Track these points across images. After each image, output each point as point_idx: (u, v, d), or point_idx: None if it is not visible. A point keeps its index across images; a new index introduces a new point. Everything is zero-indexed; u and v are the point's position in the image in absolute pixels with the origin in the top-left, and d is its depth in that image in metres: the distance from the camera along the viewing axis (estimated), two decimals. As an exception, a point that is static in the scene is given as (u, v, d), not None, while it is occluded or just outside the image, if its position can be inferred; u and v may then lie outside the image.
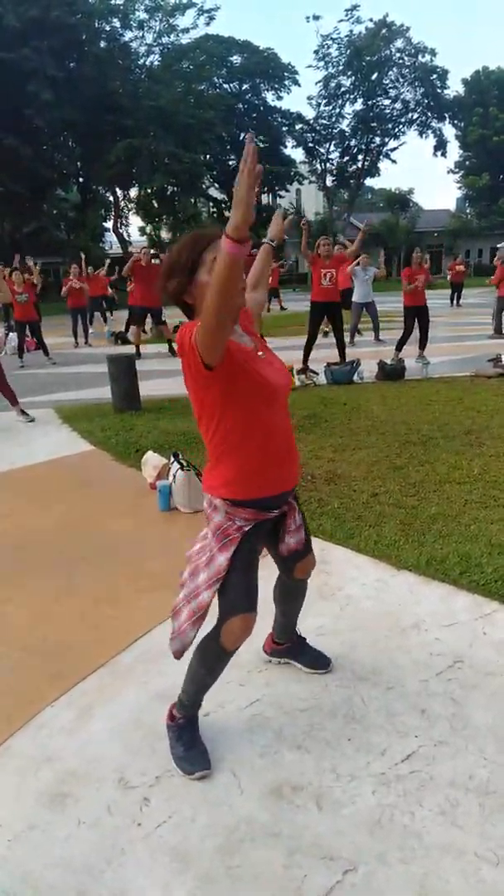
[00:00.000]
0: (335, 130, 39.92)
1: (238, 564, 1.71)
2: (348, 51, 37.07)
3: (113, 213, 35.92)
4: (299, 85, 40.89)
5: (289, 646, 2.25)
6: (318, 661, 2.23)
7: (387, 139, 40.28)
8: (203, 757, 1.82)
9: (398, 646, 2.36)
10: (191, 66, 33.51)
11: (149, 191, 32.78)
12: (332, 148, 40.59)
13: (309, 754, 1.86)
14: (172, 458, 3.96)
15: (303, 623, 2.49)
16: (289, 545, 1.90)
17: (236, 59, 38.44)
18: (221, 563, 1.71)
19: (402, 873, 1.48)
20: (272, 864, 1.52)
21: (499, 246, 11.97)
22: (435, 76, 38.02)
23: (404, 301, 8.67)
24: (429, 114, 39.41)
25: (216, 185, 41.85)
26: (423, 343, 8.74)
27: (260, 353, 1.72)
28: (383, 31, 36.64)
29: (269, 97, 39.92)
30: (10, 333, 11.32)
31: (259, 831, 1.61)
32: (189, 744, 1.85)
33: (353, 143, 40.21)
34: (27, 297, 10.75)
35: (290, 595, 2.15)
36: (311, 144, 40.32)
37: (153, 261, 10.85)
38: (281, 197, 43.01)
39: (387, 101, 39.29)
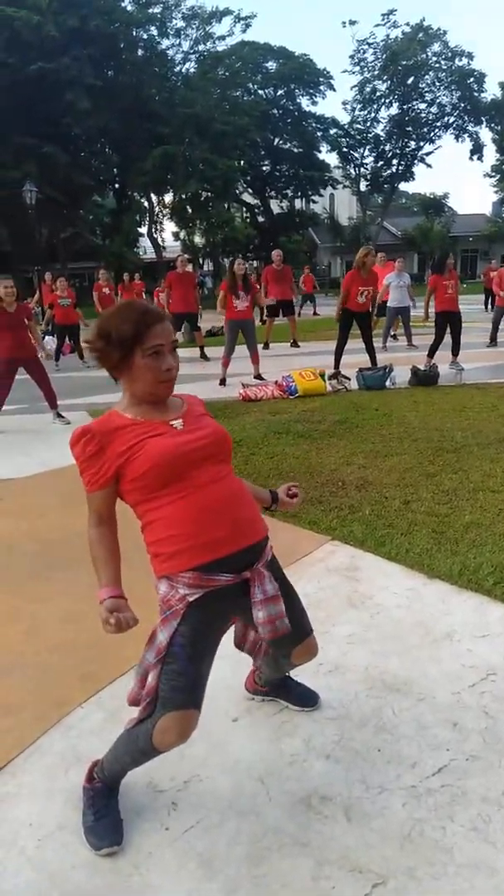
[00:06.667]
0: (370, 135, 39.73)
1: (181, 644, 1.49)
2: (384, 55, 36.89)
3: (148, 218, 36.37)
4: (334, 90, 40.75)
5: (270, 688, 2.08)
6: (306, 699, 2.05)
7: (422, 143, 39.95)
8: (115, 829, 1.60)
9: (430, 656, 2.32)
10: (226, 73, 33.77)
11: (183, 196, 33.10)
12: (366, 152, 40.42)
13: (338, 764, 1.84)
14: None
15: (332, 631, 2.48)
16: (258, 618, 1.57)
17: (271, 64, 38.60)
18: (161, 642, 1.51)
19: (433, 890, 1.45)
20: (300, 874, 1.51)
21: None
22: (472, 79, 37.54)
23: (436, 307, 8.56)
24: (465, 117, 38.91)
25: (249, 190, 42.06)
26: (455, 349, 8.62)
27: (175, 423, 1.58)
28: (420, 35, 36.37)
29: (304, 102, 40.06)
30: (47, 336, 11.53)
31: (287, 841, 1.60)
32: (101, 813, 1.63)
33: (387, 147, 39.96)
34: (69, 302, 10.94)
35: (282, 670, 1.97)
36: (345, 149, 40.19)
37: (188, 267, 10.96)
38: (314, 202, 43.01)
39: (423, 105, 38.98)
